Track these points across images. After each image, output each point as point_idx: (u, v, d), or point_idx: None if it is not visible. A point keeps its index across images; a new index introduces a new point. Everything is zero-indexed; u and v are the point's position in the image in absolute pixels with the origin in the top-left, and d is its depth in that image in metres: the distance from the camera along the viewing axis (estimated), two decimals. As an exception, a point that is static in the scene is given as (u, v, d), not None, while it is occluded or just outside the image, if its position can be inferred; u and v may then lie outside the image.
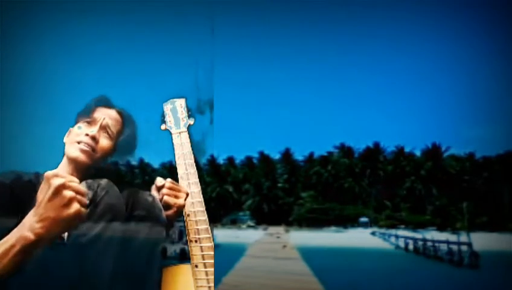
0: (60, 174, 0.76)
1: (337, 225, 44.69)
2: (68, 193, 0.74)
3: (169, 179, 1.03)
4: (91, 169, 1.04)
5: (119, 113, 1.15)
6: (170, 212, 1.00)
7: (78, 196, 0.75)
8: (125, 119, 1.15)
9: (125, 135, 1.14)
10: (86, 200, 0.77)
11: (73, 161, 1.05)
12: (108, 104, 1.15)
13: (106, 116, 1.11)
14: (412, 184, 50.99)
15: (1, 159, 1.27)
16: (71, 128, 1.13)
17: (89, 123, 1.09)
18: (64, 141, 1.12)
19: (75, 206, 0.74)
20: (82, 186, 0.78)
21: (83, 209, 0.75)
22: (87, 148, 1.04)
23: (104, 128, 1.09)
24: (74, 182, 0.77)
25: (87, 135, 1.05)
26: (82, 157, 1.03)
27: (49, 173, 0.76)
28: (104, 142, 1.08)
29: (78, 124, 1.10)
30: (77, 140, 1.05)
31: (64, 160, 1.08)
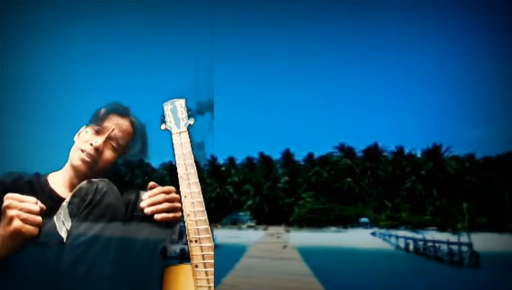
0: (10, 196, 0.81)
1: (338, 225, 44.68)
2: (10, 212, 0.79)
3: (148, 193, 0.96)
4: (92, 176, 1.02)
5: (132, 123, 1.09)
6: (170, 215, 0.97)
7: (24, 214, 0.79)
8: (137, 131, 1.10)
9: (135, 149, 1.10)
10: (34, 217, 0.81)
11: (73, 168, 1.04)
12: (123, 113, 1.09)
13: (117, 126, 1.06)
14: (412, 184, 50.96)
15: (1, 159, 1.27)
16: (83, 128, 1.10)
17: (97, 131, 1.05)
18: (75, 140, 1.10)
19: (15, 224, 0.78)
20: (31, 205, 0.82)
21: (26, 226, 0.79)
22: (87, 159, 1.02)
23: (111, 139, 1.05)
24: (25, 201, 0.81)
25: (91, 144, 1.02)
26: (81, 167, 1.02)
27: (7, 195, 0.82)
28: (108, 154, 1.05)
29: (86, 129, 1.07)
30: (81, 148, 1.03)
31: (69, 163, 1.07)
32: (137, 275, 0.88)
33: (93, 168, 1.03)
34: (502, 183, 45.39)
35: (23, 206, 0.80)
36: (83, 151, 1.03)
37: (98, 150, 1.03)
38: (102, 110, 1.09)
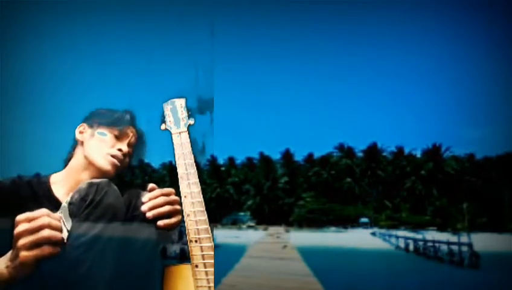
0: (21, 220, 0.76)
1: (338, 225, 44.70)
2: (18, 243, 0.75)
3: (149, 195, 0.95)
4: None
5: (138, 132, 1.14)
6: (173, 221, 0.96)
7: (30, 238, 0.75)
8: (141, 139, 1.14)
9: (137, 154, 1.13)
10: (41, 239, 0.76)
11: (101, 171, 1.03)
12: (133, 121, 1.13)
13: (133, 133, 1.11)
14: (412, 184, 50.98)
15: (2, 160, 1.27)
16: (86, 126, 1.09)
17: (118, 137, 1.07)
18: (79, 138, 1.08)
19: (22, 255, 0.75)
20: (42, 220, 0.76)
21: (31, 253, 0.75)
22: (119, 164, 1.05)
23: (130, 146, 1.09)
24: (35, 218, 0.76)
25: (120, 150, 1.05)
26: (112, 171, 1.04)
27: (19, 217, 0.77)
28: (127, 160, 1.09)
29: (103, 131, 1.07)
30: (110, 153, 1.04)
31: (84, 162, 1.04)
32: (137, 275, 0.88)
33: (118, 171, 1.06)
34: (502, 183, 45.40)
35: (35, 234, 0.75)
36: (113, 156, 1.04)
37: (126, 156, 1.07)
38: (120, 115, 1.10)
